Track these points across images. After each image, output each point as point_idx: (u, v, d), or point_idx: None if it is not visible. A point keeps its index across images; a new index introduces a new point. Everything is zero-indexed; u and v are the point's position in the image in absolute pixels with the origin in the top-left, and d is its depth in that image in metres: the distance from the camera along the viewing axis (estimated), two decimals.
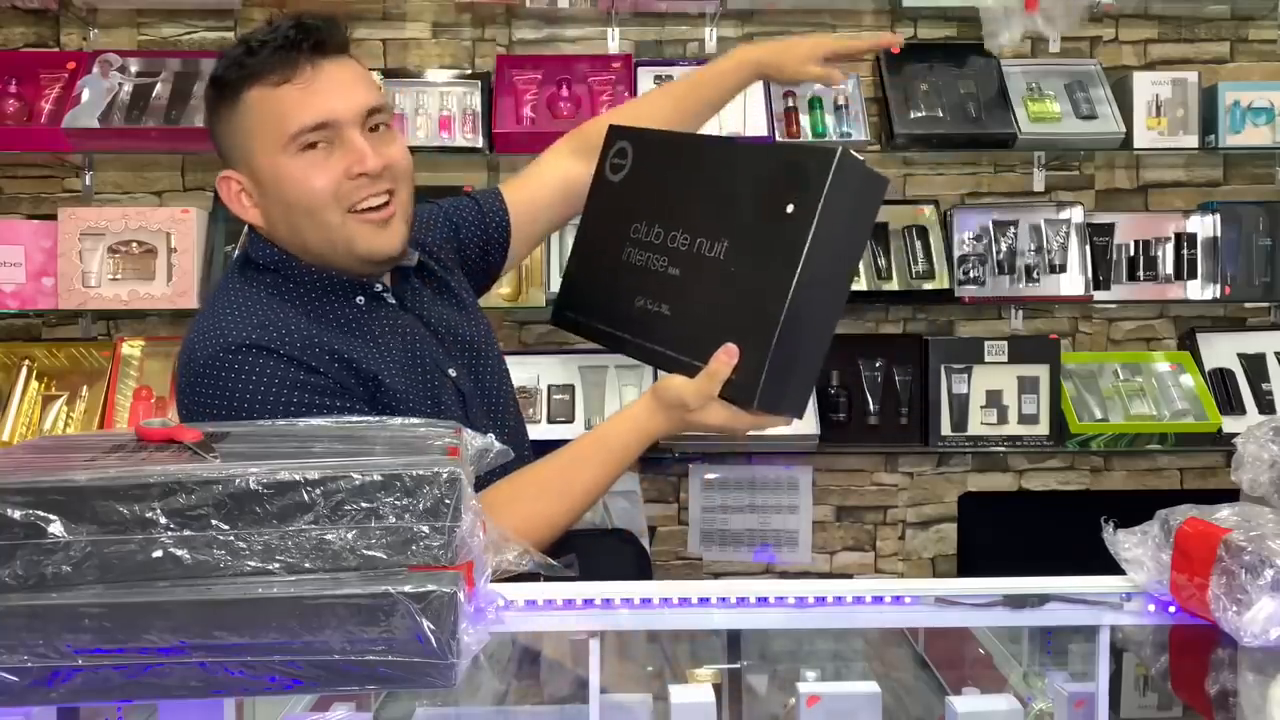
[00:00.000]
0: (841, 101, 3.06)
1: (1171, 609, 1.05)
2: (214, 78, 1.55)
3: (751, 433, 1.45)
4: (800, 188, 1.32)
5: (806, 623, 1.06)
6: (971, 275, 3.07)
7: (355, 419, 1.15)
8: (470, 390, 1.65)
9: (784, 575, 3.23)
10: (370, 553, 0.86)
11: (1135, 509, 1.14)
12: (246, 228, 1.65)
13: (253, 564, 0.85)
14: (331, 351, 1.50)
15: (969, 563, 3.21)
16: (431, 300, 1.69)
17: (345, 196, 1.51)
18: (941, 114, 3.05)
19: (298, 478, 0.86)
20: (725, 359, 1.37)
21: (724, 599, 1.05)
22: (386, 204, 1.54)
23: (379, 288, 1.61)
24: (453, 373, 1.63)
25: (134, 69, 3.00)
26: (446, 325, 1.67)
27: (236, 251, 1.66)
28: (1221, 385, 3.10)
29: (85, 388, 2.97)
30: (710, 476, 3.22)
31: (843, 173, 1.31)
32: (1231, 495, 1.17)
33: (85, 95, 2.90)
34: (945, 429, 3.06)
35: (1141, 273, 3.11)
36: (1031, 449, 3.12)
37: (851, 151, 1.31)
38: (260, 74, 1.49)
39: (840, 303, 1.39)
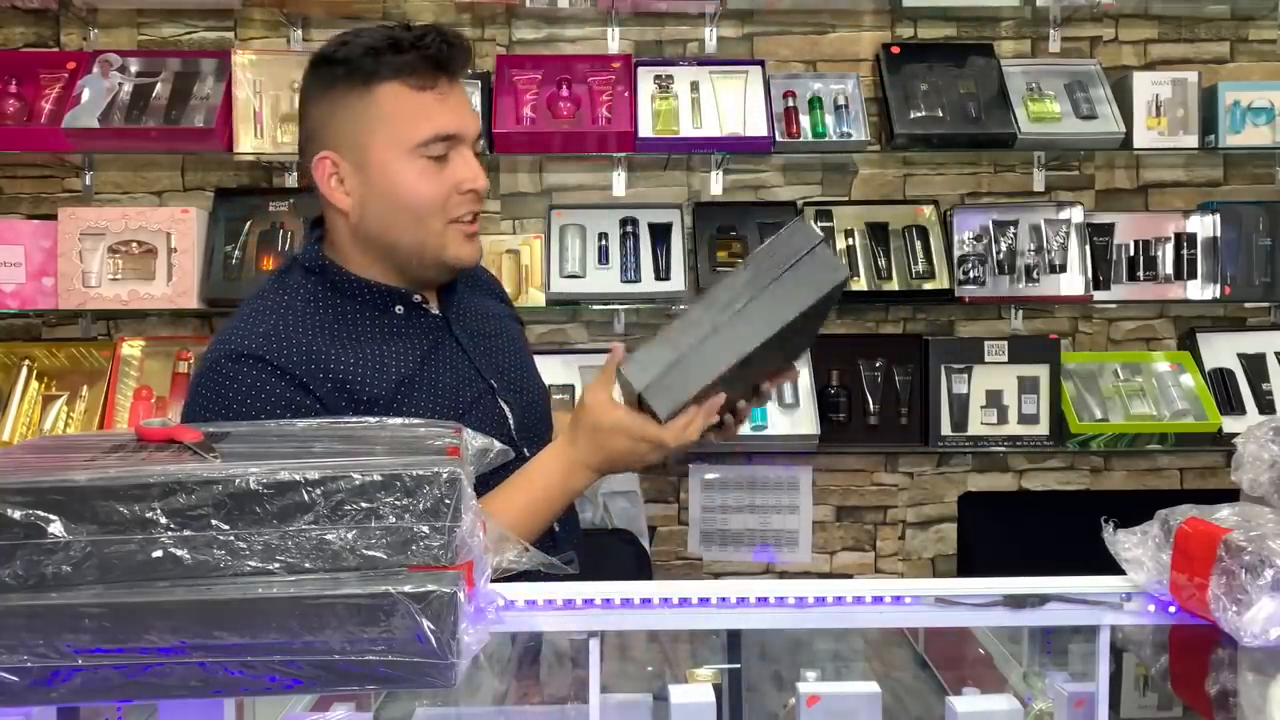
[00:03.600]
0: (842, 101, 3.06)
1: (1171, 609, 1.05)
2: (341, 59, 1.53)
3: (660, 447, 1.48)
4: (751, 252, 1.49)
5: (806, 623, 1.06)
6: (971, 275, 3.07)
7: (355, 420, 1.15)
8: (514, 404, 1.67)
9: (784, 575, 3.23)
10: (370, 553, 0.86)
11: (1135, 509, 1.14)
12: (308, 227, 1.66)
13: (253, 564, 0.85)
14: (332, 374, 1.51)
15: (969, 563, 3.21)
16: (481, 299, 1.75)
17: (451, 209, 1.57)
18: (941, 114, 3.05)
19: (298, 478, 0.86)
20: (614, 352, 1.47)
21: (724, 599, 1.05)
22: (475, 219, 1.60)
23: (418, 298, 1.63)
24: (494, 384, 1.65)
25: (134, 69, 3.00)
26: (497, 329, 1.73)
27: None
28: (1221, 385, 3.10)
29: (85, 388, 2.97)
30: (710, 476, 3.21)
31: (790, 236, 1.45)
32: (1231, 495, 1.17)
33: (85, 95, 2.90)
34: (945, 429, 3.06)
35: (1141, 273, 3.11)
36: (1031, 449, 3.12)
37: (806, 222, 1.45)
38: (402, 72, 1.51)
39: (735, 354, 1.45)
